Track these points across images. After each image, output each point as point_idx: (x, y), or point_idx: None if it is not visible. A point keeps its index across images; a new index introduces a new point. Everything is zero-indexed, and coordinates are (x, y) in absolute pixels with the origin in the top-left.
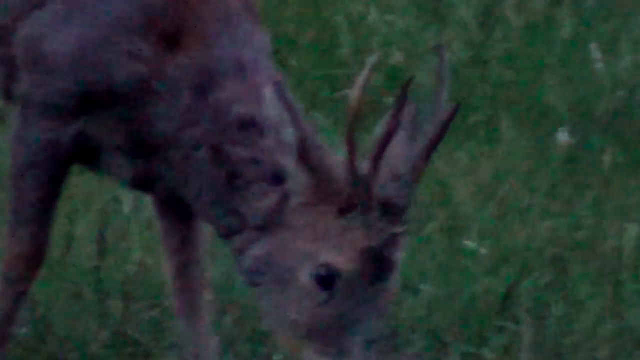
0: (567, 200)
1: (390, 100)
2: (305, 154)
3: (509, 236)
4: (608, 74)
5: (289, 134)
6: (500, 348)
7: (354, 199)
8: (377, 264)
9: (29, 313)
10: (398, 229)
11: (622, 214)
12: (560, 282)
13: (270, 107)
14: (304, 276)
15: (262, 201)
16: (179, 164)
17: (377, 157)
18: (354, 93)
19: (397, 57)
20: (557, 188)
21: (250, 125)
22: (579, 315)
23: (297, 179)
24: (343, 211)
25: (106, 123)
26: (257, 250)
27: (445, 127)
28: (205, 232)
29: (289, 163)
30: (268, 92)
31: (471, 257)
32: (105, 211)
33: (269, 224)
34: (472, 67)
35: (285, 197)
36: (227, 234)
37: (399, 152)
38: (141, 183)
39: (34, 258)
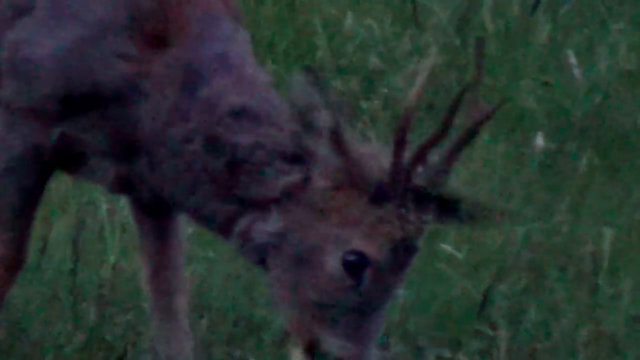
0: (544, 205)
1: (367, 104)
2: (338, 137)
3: (486, 241)
4: (584, 80)
5: (323, 117)
6: (476, 353)
7: (391, 189)
8: (405, 254)
9: (3, 316)
10: (428, 218)
11: (598, 219)
12: (537, 287)
13: (299, 92)
14: (333, 260)
15: (282, 178)
16: (168, 161)
17: (422, 153)
18: (411, 97)
19: (373, 62)
20: (534, 193)
21: (242, 114)
22: (556, 320)
23: (329, 162)
24: (378, 200)
25: (90, 127)
26: (273, 225)
27: (480, 123)
28: (183, 235)
29: (319, 145)
30: (299, 76)
31: (448, 262)
32: (80, 215)
33: (289, 201)
34: (449, 72)
35: (307, 178)
36: (227, 223)
37: None
38: (123, 186)
39: (13, 262)
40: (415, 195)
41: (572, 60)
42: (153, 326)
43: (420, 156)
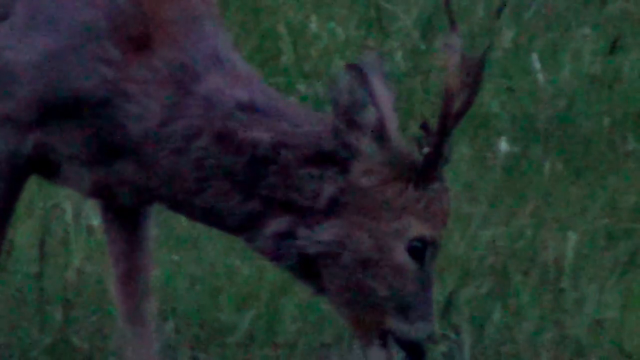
0: (508, 210)
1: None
2: (385, 132)
3: (450, 245)
4: (548, 84)
5: (370, 115)
6: (440, 356)
7: (432, 170)
8: (446, 222)
9: None
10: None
11: (562, 223)
12: (501, 291)
13: (344, 90)
14: (399, 253)
15: (323, 185)
16: (166, 160)
17: (454, 125)
18: (452, 80)
19: (338, 66)
20: (498, 197)
21: (251, 108)
22: (520, 324)
23: (375, 159)
24: (425, 184)
25: (69, 132)
26: (325, 234)
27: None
28: (151, 239)
29: (364, 144)
30: (346, 75)
31: None
32: (46, 219)
33: (333, 208)
34: (414, 76)
35: (344, 179)
36: (248, 221)
37: (386, 94)
38: (101, 191)
39: None
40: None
41: (536, 65)
42: (119, 329)
43: (450, 132)
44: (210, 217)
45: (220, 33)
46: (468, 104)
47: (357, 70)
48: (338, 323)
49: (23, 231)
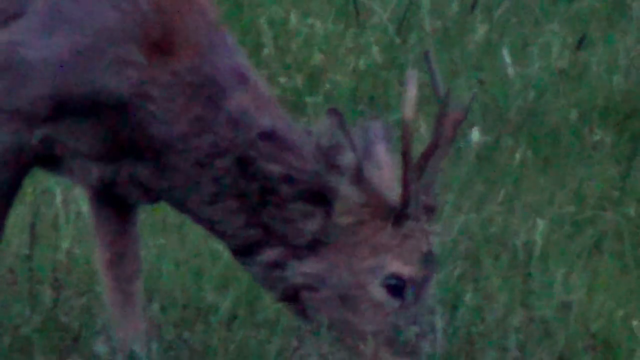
0: (480, 197)
1: (310, 99)
2: (361, 175)
3: None
4: (519, 77)
5: (347, 158)
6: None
7: (408, 209)
8: (431, 261)
9: None
10: (435, 228)
11: (531, 210)
12: (473, 274)
13: (324, 133)
14: (375, 290)
15: (307, 222)
16: (185, 170)
17: (422, 168)
18: (408, 112)
19: (317, 58)
20: (470, 185)
21: (272, 138)
22: (490, 306)
23: (352, 200)
24: (399, 222)
25: (82, 129)
26: (309, 267)
27: (451, 126)
28: (138, 223)
29: (342, 185)
30: (327, 120)
31: None
32: (36, 203)
33: (317, 244)
34: (389, 69)
35: (328, 217)
36: (248, 245)
37: (389, 161)
38: (105, 185)
39: None
40: (426, 210)
41: (507, 59)
42: (108, 309)
43: (421, 171)
44: (214, 228)
45: (238, 47)
46: (434, 145)
47: (337, 115)
48: None
49: (14, 215)
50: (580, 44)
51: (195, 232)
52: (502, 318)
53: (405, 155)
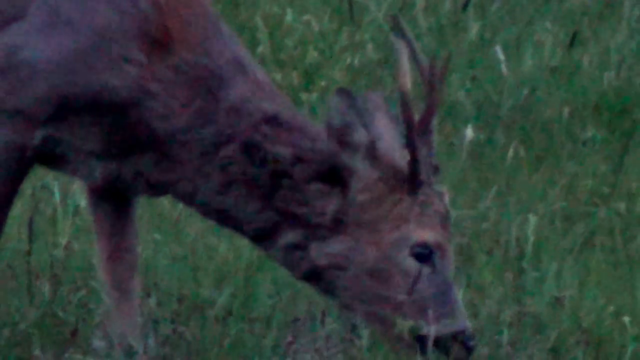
0: (473, 193)
1: (306, 96)
2: (375, 151)
3: None
4: (512, 75)
5: (360, 136)
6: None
7: (419, 174)
8: (449, 222)
9: None
10: (444, 187)
11: (523, 206)
12: (466, 270)
13: (335, 113)
14: (405, 260)
15: (324, 202)
16: (192, 162)
17: (424, 132)
18: (403, 81)
19: (312, 56)
20: (464, 181)
21: (276, 121)
22: (483, 301)
23: (368, 176)
24: (414, 190)
25: (85, 128)
26: (333, 248)
27: (440, 84)
28: (136, 219)
29: (356, 161)
30: (336, 99)
31: None
32: (35, 199)
33: (337, 223)
34: (383, 66)
35: (344, 195)
36: (267, 230)
37: (390, 130)
38: (110, 182)
39: None
40: (433, 173)
41: (500, 56)
42: (105, 304)
43: (424, 136)
44: (228, 218)
45: (235, 37)
46: (431, 109)
47: (346, 94)
48: (311, 298)
49: (13, 211)
50: (572, 42)
51: (191, 227)
52: (495, 313)
53: (408, 123)
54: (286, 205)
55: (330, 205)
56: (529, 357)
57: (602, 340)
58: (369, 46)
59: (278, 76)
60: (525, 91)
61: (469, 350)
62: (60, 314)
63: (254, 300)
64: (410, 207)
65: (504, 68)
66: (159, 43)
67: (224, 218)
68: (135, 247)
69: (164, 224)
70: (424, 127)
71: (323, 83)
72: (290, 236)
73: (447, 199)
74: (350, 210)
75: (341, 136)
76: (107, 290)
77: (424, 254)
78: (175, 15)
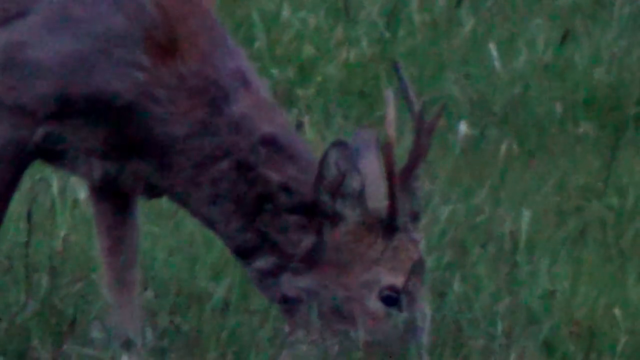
0: (467, 187)
1: (302, 91)
2: (363, 200)
3: None
4: (505, 71)
5: (354, 184)
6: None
7: (395, 221)
8: (421, 268)
9: None
10: (421, 235)
11: (517, 201)
12: (460, 263)
13: (332, 163)
14: (372, 302)
15: (300, 234)
16: (186, 170)
17: (406, 180)
18: (390, 131)
19: (308, 51)
20: (458, 175)
21: (272, 144)
22: (477, 293)
23: (351, 219)
24: (389, 235)
25: (87, 128)
26: (303, 282)
27: (428, 136)
28: (137, 212)
29: (346, 209)
30: (333, 151)
31: None
32: (33, 191)
33: (310, 259)
34: (379, 62)
35: (320, 234)
36: (245, 249)
37: (375, 169)
38: (109, 181)
39: None
40: (412, 219)
41: (494, 53)
42: (104, 296)
43: (406, 183)
44: (213, 227)
45: (240, 50)
46: (417, 157)
47: (343, 146)
48: None
49: (12, 204)
50: (564, 38)
51: (189, 220)
52: (489, 305)
53: (389, 172)
54: (265, 229)
55: (306, 240)
56: (522, 348)
57: (594, 332)
58: (364, 42)
59: (274, 71)
60: (518, 87)
61: None
62: (59, 305)
63: (252, 292)
64: (382, 250)
65: (497, 64)
66: (164, 48)
67: (211, 227)
68: (136, 240)
69: (161, 216)
70: (408, 176)
71: (319, 79)
72: (265, 261)
73: (422, 246)
74: (323, 249)
75: (335, 186)
76: (107, 283)
77: (392, 298)
78: (181, 23)
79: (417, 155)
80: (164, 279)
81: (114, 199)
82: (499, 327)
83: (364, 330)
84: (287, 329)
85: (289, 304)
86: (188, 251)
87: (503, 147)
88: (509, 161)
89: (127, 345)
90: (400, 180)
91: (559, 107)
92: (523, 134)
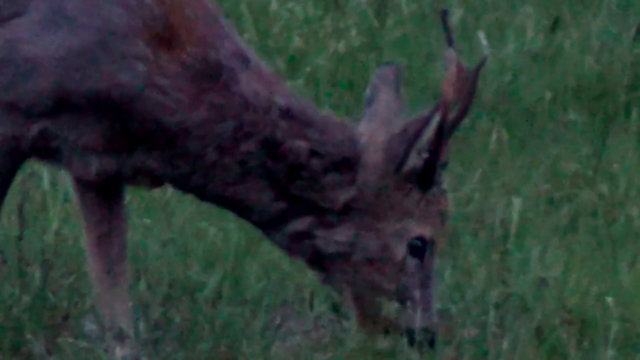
0: (458, 177)
1: (291, 82)
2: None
3: None
4: (494, 60)
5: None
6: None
7: (432, 176)
8: (446, 220)
9: None
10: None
11: (507, 189)
12: (452, 252)
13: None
14: (401, 251)
15: (338, 191)
16: (209, 156)
17: (451, 133)
18: (448, 92)
19: (297, 42)
20: (449, 165)
21: (290, 116)
22: (469, 282)
23: (379, 167)
24: (425, 188)
25: (85, 123)
26: (341, 235)
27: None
28: (124, 203)
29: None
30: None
31: None
32: (25, 186)
33: (346, 211)
34: (367, 52)
35: (355, 184)
36: (277, 219)
37: (392, 103)
38: (107, 176)
39: None
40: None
41: (483, 41)
42: (96, 289)
43: (444, 141)
44: (235, 206)
45: (235, 31)
46: (464, 112)
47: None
48: (299, 282)
49: None
50: (554, 26)
51: (181, 212)
52: (481, 294)
53: (440, 129)
54: (300, 193)
55: (344, 194)
56: (514, 337)
57: (586, 320)
58: (353, 32)
59: (263, 62)
60: (508, 76)
61: (431, 346)
62: (52, 298)
63: (244, 283)
64: (416, 201)
65: (486, 53)
66: (164, 38)
67: (232, 205)
68: (124, 231)
69: (153, 208)
70: (451, 130)
71: (308, 69)
72: (298, 224)
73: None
74: (361, 198)
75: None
76: (96, 275)
77: (418, 248)
78: (178, 10)
79: (466, 109)
80: (156, 270)
81: (99, 191)
82: (491, 316)
83: (388, 279)
84: (279, 319)
85: (322, 261)
86: (180, 242)
87: (493, 135)
88: (500, 149)
89: (120, 336)
90: (447, 133)
91: (548, 95)
92: (513, 122)
